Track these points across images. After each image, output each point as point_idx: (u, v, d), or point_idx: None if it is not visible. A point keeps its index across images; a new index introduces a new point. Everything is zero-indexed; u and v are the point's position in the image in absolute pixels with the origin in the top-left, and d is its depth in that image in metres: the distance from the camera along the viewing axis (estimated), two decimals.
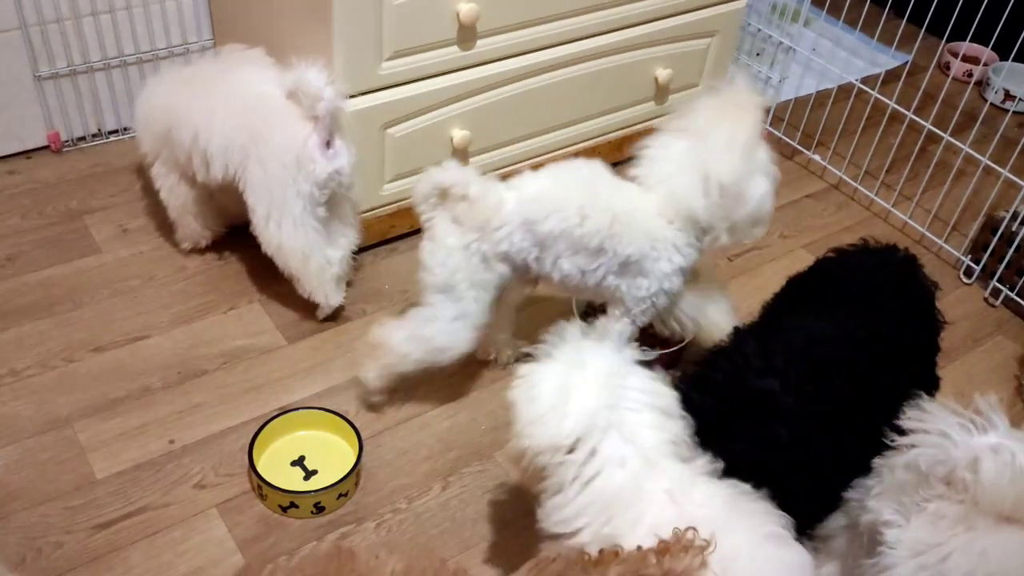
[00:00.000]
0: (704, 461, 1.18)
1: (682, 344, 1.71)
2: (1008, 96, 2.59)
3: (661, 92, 2.19)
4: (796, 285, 1.50)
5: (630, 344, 1.33)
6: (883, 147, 2.32)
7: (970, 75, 2.69)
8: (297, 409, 1.57)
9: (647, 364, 1.23)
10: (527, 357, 1.22)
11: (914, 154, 2.24)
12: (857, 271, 1.44)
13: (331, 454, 1.53)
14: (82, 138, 2.10)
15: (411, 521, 1.47)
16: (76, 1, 1.93)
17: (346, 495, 1.49)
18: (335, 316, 1.78)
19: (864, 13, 2.37)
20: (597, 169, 1.50)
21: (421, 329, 1.50)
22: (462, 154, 1.93)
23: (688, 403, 1.25)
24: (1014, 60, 2.16)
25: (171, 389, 1.62)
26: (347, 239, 1.76)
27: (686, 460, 1.17)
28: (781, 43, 2.35)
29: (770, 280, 1.92)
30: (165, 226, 1.88)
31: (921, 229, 2.13)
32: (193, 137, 1.63)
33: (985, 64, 2.69)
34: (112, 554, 1.38)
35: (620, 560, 0.91)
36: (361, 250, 1.86)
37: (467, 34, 1.77)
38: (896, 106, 2.17)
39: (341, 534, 1.44)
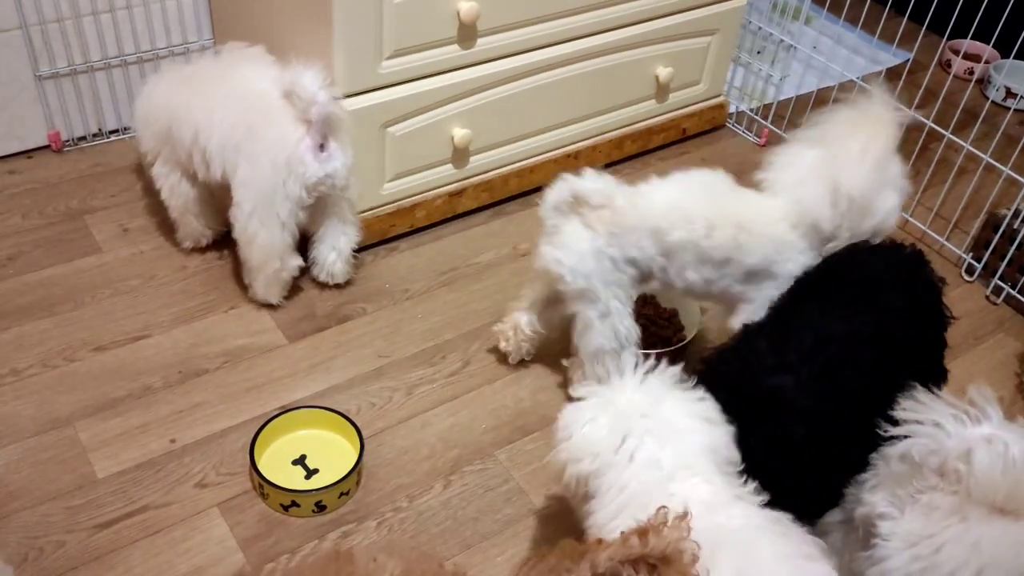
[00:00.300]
0: (751, 485, 1.19)
1: (683, 343, 1.71)
2: (1009, 94, 2.58)
3: (662, 91, 2.19)
4: (805, 282, 1.50)
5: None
6: None
7: (971, 73, 2.69)
8: (298, 408, 1.57)
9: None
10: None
11: (915, 152, 2.23)
12: (865, 268, 1.44)
13: (332, 453, 1.53)
14: (83, 138, 2.10)
15: (412, 520, 1.47)
16: (76, 1, 1.93)
17: (347, 494, 1.49)
18: (335, 316, 1.78)
19: (865, 11, 2.37)
20: (721, 177, 1.52)
21: (587, 346, 1.53)
22: (462, 153, 1.93)
23: None
24: (1015, 58, 2.15)
25: (172, 388, 1.62)
26: (347, 237, 1.77)
27: (727, 471, 1.18)
28: (782, 41, 2.35)
29: None
30: (166, 225, 1.88)
31: (922, 227, 2.13)
32: (193, 135, 1.63)
33: (986, 62, 2.69)
34: (113, 553, 1.38)
35: (606, 546, 0.93)
36: (361, 249, 1.86)
37: (467, 33, 1.77)
38: (897, 104, 2.16)
39: (342, 533, 1.44)
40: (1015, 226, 1.96)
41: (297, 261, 1.73)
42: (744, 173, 1.59)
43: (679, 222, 1.45)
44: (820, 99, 2.44)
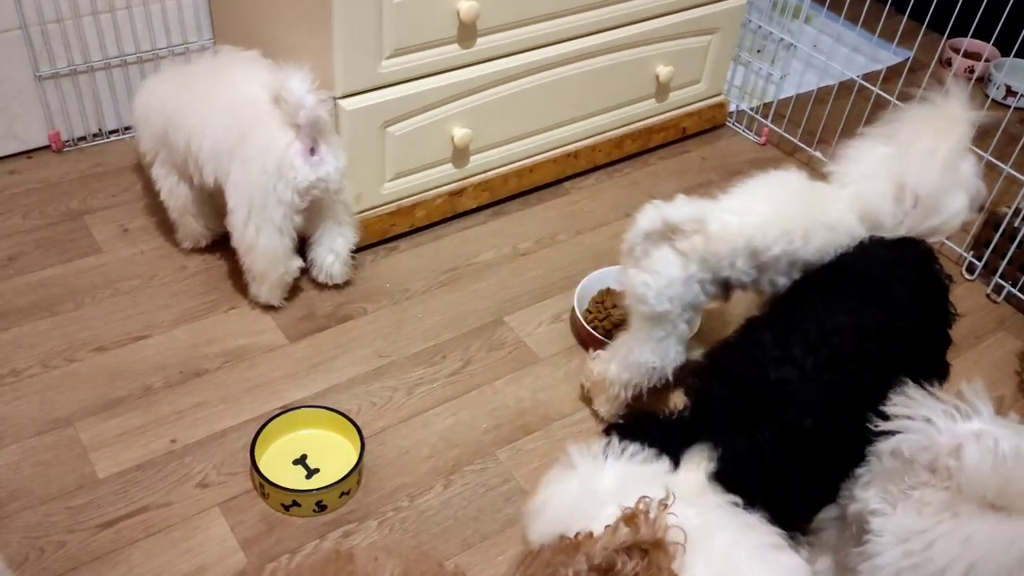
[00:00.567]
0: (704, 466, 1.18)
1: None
2: (1010, 92, 2.58)
3: (662, 89, 2.19)
4: (810, 275, 1.50)
5: None
6: None
7: (971, 71, 2.69)
8: (299, 408, 1.57)
9: None
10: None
11: None
12: (874, 262, 1.44)
13: (333, 452, 1.53)
14: (83, 138, 2.11)
15: (413, 519, 1.47)
16: (76, 1, 1.93)
17: (348, 494, 1.49)
18: (335, 316, 1.78)
19: (865, 9, 2.37)
20: (801, 178, 1.52)
21: (631, 355, 1.52)
22: (462, 152, 1.93)
23: (705, 393, 1.24)
24: (1015, 56, 2.15)
25: (173, 388, 1.62)
26: (344, 239, 1.76)
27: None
28: (782, 40, 2.35)
29: None
30: (166, 225, 1.88)
31: None
32: (187, 140, 1.63)
33: (987, 60, 2.69)
34: (114, 553, 1.38)
35: (598, 538, 0.95)
36: (361, 249, 1.86)
37: (467, 32, 1.77)
38: (898, 103, 2.16)
39: (343, 532, 1.44)
40: (1015, 224, 1.96)
41: (298, 263, 1.73)
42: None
43: (776, 237, 1.44)
44: (820, 98, 2.44)
